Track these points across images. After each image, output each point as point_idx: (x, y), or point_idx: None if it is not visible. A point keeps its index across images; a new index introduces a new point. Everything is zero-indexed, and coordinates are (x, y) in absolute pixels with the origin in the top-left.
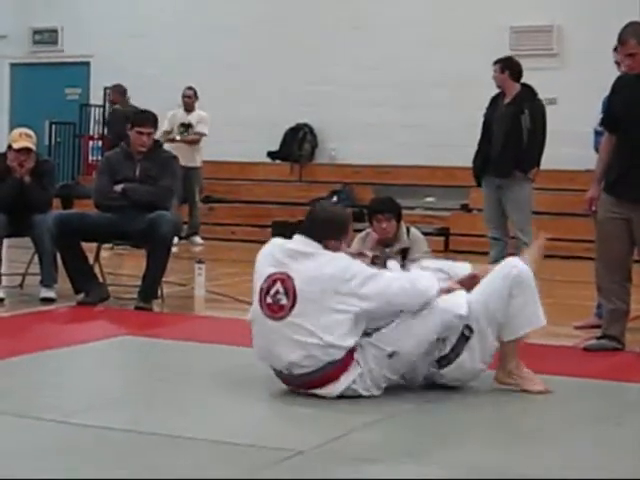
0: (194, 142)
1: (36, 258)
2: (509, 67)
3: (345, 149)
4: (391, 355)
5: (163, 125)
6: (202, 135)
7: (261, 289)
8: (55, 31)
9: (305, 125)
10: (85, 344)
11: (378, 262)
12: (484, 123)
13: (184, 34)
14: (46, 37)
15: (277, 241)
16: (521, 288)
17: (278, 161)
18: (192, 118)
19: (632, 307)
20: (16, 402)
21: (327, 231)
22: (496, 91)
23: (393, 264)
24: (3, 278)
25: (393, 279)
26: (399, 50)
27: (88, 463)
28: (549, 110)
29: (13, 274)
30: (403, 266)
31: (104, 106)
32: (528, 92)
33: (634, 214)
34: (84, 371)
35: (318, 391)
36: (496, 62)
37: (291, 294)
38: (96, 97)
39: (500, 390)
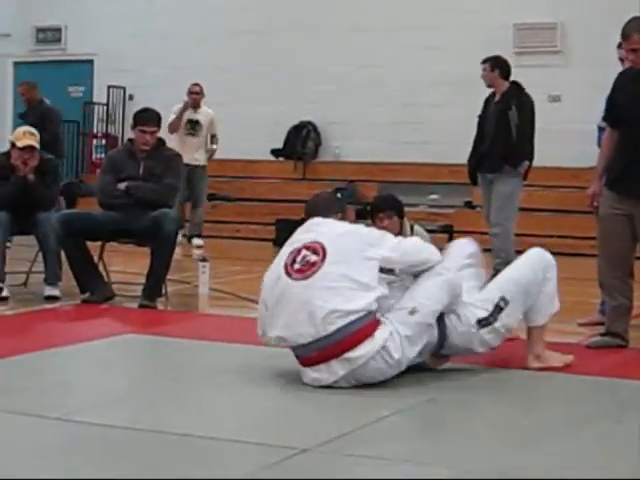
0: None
1: (40, 256)
2: (499, 66)
3: (349, 147)
4: (412, 312)
5: (169, 117)
6: (216, 141)
7: (285, 264)
8: (59, 29)
9: (309, 123)
10: (89, 342)
11: None
12: (478, 124)
13: (188, 33)
14: (49, 35)
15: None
16: (552, 273)
17: (282, 159)
18: (200, 116)
19: (635, 304)
20: (20, 400)
21: (330, 207)
22: (489, 91)
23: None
24: (7, 276)
25: (410, 239)
26: (403, 48)
27: (92, 461)
28: (553, 107)
29: (17, 272)
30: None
31: (108, 104)
32: (515, 88)
33: (636, 210)
34: (88, 369)
35: (352, 353)
36: (485, 61)
37: (320, 251)
38: (99, 95)
39: (503, 387)
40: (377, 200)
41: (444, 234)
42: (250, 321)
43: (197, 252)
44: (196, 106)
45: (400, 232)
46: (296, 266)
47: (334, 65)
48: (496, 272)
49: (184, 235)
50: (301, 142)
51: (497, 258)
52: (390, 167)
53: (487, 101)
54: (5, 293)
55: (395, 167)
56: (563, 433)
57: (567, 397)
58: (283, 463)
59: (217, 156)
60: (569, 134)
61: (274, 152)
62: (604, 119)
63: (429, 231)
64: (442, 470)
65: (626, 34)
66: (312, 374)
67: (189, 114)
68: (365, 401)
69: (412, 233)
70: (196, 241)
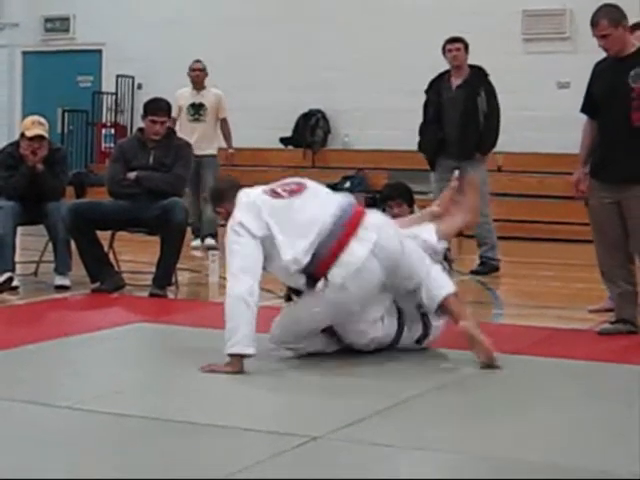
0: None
1: (50, 246)
2: (468, 48)
3: (358, 135)
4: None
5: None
6: (227, 124)
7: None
8: (67, 19)
9: (318, 111)
10: (100, 331)
11: None
12: (433, 106)
13: (196, 21)
14: (58, 25)
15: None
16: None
17: (291, 147)
18: (204, 99)
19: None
20: (31, 389)
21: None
22: (431, 75)
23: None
24: (17, 266)
25: None
26: (412, 35)
27: (102, 450)
28: (561, 93)
29: (27, 262)
30: None
31: (116, 94)
32: (480, 74)
33: (621, 196)
34: (99, 358)
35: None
36: (456, 40)
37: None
38: (108, 85)
39: (513, 374)
40: (387, 188)
41: None
42: (260, 309)
43: (211, 252)
44: (199, 86)
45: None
46: (278, 190)
47: (343, 53)
48: (484, 259)
49: (197, 235)
50: (310, 130)
51: (483, 245)
52: (399, 155)
53: (438, 83)
54: (16, 283)
55: (404, 155)
56: (575, 417)
57: (578, 382)
58: (294, 451)
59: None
60: (578, 121)
61: (283, 140)
62: (582, 110)
63: None
64: (453, 456)
65: (595, 21)
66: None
67: (191, 97)
68: (376, 388)
69: None
70: (209, 241)
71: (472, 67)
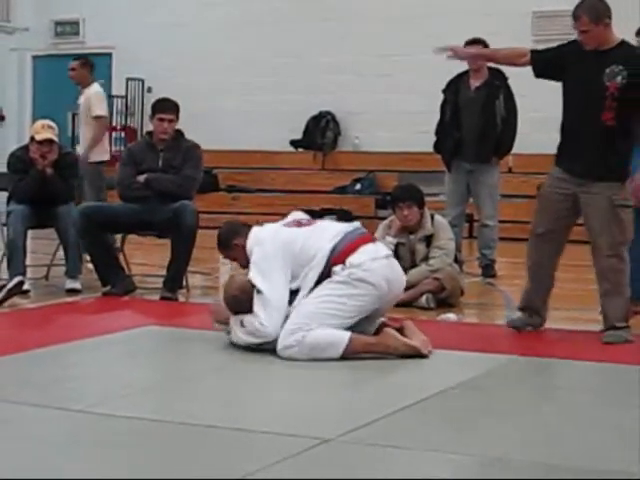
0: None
1: (61, 249)
2: (488, 48)
3: (368, 137)
4: None
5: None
6: (100, 119)
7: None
8: (77, 23)
9: (328, 113)
10: (111, 334)
11: (403, 249)
12: (450, 106)
13: (206, 25)
14: (68, 29)
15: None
16: None
17: (301, 150)
18: (82, 98)
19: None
20: (43, 392)
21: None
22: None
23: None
24: (28, 270)
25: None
26: (422, 37)
27: (115, 453)
28: None
29: (38, 265)
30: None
31: (126, 97)
32: (500, 77)
33: (581, 190)
34: (110, 361)
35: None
36: (476, 42)
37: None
38: (118, 88)
39: (524, 376)
40: (397, 190)
41: (465, 224)
42: None
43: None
44: (81, 86)
45: (420, 222)
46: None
47: (353, 55)
48: (488, 263)
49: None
50: (320, 132)
51: (488, 249)
52: (410, 157)
53: (456, 83)
54: (26, 286)
55: (415, 157)
56: (585, 420)
57: (589, 385)
58: (306, 453)
59: (237, 147)
60: None
61: (293, 143)
62: (534, 68)
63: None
64: (464, 458)
65: (576, 15)
66: None
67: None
68: (389, 390)
69: (432, 222)
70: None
71: (491, 69)
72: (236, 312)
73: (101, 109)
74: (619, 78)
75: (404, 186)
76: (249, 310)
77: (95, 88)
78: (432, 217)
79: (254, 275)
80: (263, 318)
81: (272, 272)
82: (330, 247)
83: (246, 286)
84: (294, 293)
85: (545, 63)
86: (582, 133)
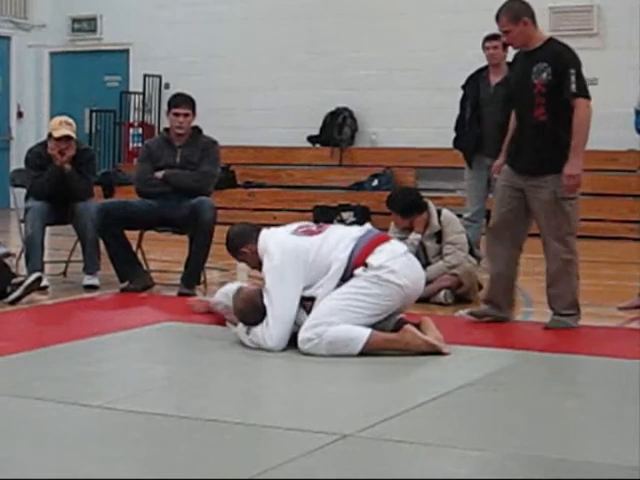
0: None
1: (79, 246)
2: (506, 46)
3: (385, 132)
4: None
5: None
6: None
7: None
8: (94, 19)
9: (345, 109)
10: (129, 330)
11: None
12: (470, 102)
13: (223, 21)
14: (85, 25)
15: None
16: None
17: (318, 145)
18: None
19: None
20: (62, 389)
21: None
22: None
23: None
24: (47, 266)
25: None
26: (439, 33)
27: (134, 449)
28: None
29: (56, 262)
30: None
31: (144, 93)
32: None
33: (526, 184)
34: (128, 357)
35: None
36: (494, 37)
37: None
38: (136, 84)
39: (542, 371)
40: (388, 197)
41: (484, 220)
42: None
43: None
44: None
45: (428, 222)
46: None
47: (370, 51)
48: None
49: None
50: (337, 128)
51: None
52: (427, 152)
53: (476, 79)
54: (45, 282)
55: (432, 152)
56: (603, 416)
57: (607, 380)
58: (325, 448)
59: (254, 143)
60: (606, 117)
61: (310, 139)
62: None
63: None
64: (483, 454)
65: (496, 16)
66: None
67: None
68: (408, 386)
69: (440, 217)
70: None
71: (510, 65)
72: (243, 322)
73: None
74: (544, 75)
75: (393, 194)
76: (254, 322)
77: None
78: (439, 212)
79: (266, 285)
80: (269, 331)
81: (283, 283)
82: (346, 256)
83: (252, 299)
84: (308, 300)
85: (511, 95)
86: (520, 130)
